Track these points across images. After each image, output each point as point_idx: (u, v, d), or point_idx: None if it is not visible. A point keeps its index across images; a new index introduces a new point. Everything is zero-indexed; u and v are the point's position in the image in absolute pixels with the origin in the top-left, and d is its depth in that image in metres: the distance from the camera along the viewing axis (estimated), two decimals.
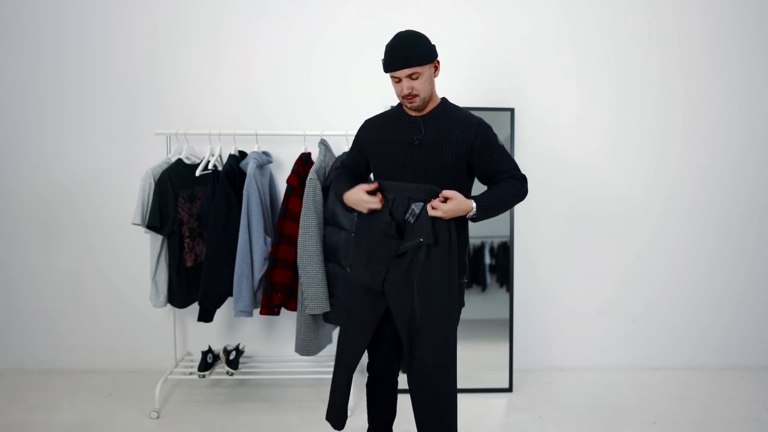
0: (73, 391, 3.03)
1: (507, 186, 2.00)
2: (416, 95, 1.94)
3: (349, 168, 2.21)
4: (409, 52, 1.89)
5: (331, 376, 2.96)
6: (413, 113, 2.02)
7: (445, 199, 1.91)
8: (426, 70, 1.93)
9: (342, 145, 3.01)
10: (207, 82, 3.14)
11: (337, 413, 2.14)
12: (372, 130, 2.11)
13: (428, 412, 2.00)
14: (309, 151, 2.88)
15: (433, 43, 1.97)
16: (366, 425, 2.50)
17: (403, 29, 1.99)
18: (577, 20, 3.17)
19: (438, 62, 1.99)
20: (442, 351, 1.96)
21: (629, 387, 3.13)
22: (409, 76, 1.91)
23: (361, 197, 1.98)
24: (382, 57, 1.96)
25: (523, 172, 2.07)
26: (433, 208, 1.90)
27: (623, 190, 3.28)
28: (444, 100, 2.06)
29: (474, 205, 1.93)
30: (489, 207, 1.95)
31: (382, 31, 3.10)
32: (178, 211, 2.75)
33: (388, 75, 1.97)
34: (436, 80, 2.06)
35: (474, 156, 1.98)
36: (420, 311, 1.94)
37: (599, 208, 3.28)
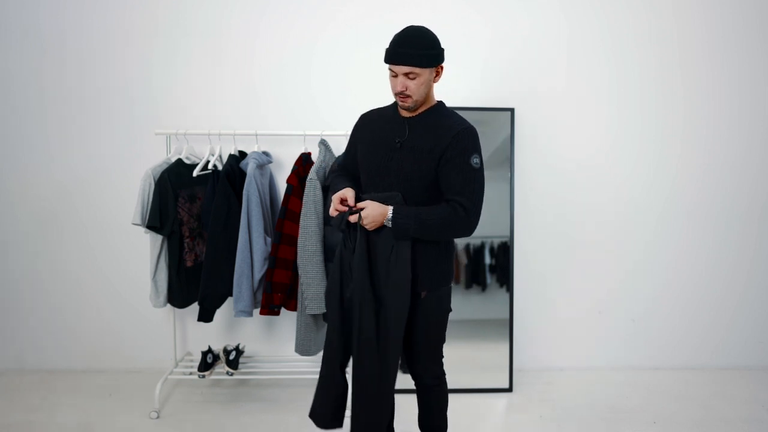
0: (73, 391, 3.03)
1: (439, 209, 1.86)
2: (409, 96, 1.87)
3: (346, 168, 2.18)
4: (413, 51, 1.82)
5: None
6: (404, 113, 1.97)
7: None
8: (426, 72, 1.86)
9: (342, 145, 3.00)
10: (207, 82, 3.14)
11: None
12: (363, 128, 2.08)
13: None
14: (309, 151, 2.88)
15: (442, 47, 1.90)
16: None
17: (415, 24, 1.92)
18: (577, 20, 3.17)
19: (441, 68, 1.92)
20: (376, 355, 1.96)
21: (629, 387, 3.13)
22: (406, 75, 1.85)
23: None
24: (387, 46, 1.90)
25: (474, 202, 1.85)
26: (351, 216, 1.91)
27: (623, 190, 3.28)
28: (439, 103, 1.99)
29: (390, 213, 1.86)
30: (405, 223, 1.84)
31: (382, 31, 3.09)
32: (178, 211, 2.75)
33: (387, 66, 1.90)
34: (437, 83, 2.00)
35: (440, 165, 1.89)
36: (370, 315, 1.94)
37: (599, 208, 3.28)
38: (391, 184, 1.93)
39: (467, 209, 1.85)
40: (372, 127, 2.04)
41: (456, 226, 1.87)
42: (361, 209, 1.89)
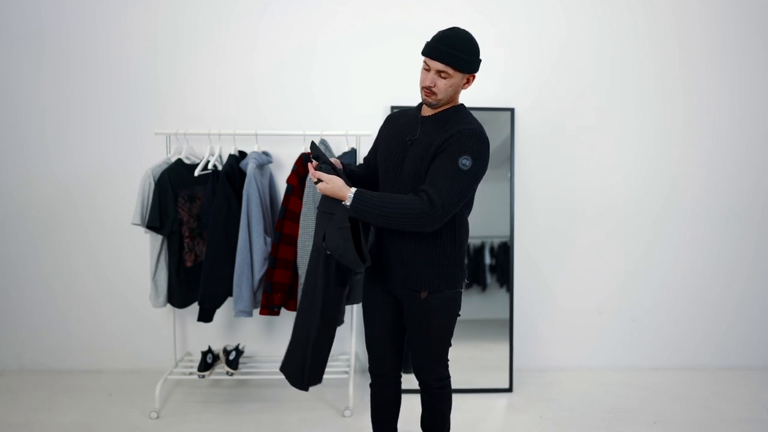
0: (73, 391, 3.03)
1: (402, 197, 1.83)
2: (435, 93, 1.88)
3: (367, 162, 2.20)
4: (453, 51, 1.83)
5: (330, 376, 2.96)
6: (424, 112, 1.99)
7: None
8: (458, 76, 1.87)
9: (342, 145, 3.01)
10: (207, 82, 3.14)
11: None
12: (386, 126, 2.11)
13: None
14: (309, 151, 2.88)
15: (480, 58, 1.91)
16: (369, 426, 2.50)
17: (461, 28, 1.92)
18: (578, 20, 3.17)
19: (473, 77, 1.92)
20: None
21: (629, 387, 3.13)
22: (439, 72, 1.85)
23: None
24: (428, 39, 1.89)
25: (447, 198, 1.80)
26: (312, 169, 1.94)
27: (623, 190, 3.28)
28: (460, 105, 1.99)
29: (350, 196, 1.83)
30: (365, 207, 1.82)
31: (382, 31, 3.12)
32: (178, 211, 2.75)
33: (421, 59, 1.92)
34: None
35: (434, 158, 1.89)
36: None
37: (599, 208, 3.28)
38: (402, 180, 1.95)
39: (433, 202, 1.78)
40: (394, 125, 2.07)
41: (418, 217, 1.79)
42: (320, 180, 1.90)
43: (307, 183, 2.67)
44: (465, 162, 1.82)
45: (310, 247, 2.65)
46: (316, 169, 1.95)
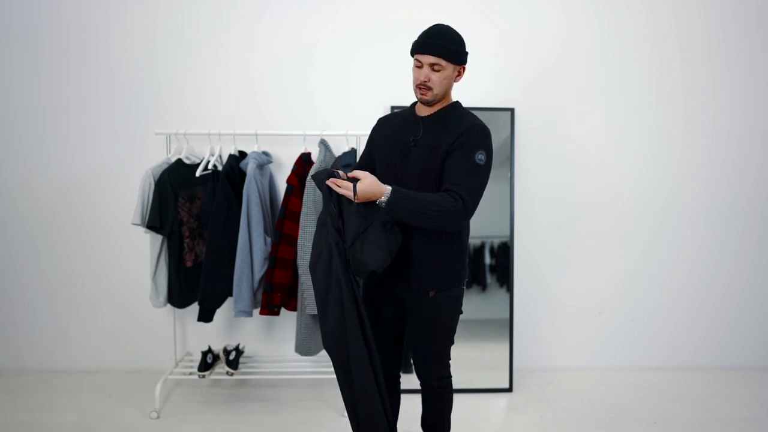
0: (73, 391, 3.03)
1: (437, 196, 1.81)
2: (430, 88, 1.89)
3: (361, 168, 2.15)
4: (442, 43, 1.86)
5: (329, 376, 2.96)
6: (420, 113, 1.99)
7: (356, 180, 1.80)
8: (450, 68, 1.89)
9: (342, 145, 3.01)
10: (207, 82, 3.14)
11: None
12: (380, 128, 2.10)
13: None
14: (309, 151, 2.88)
15: (467, 50, 1.93)
16: None
17: (442, 23, 1.94)
18: (578, 20, 3.17)
19: (464, 68, 1.95)
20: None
21: (629, 387, 3.13)
22: (431, 66, 1.88)
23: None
24: (415, 39, 1.92)
25: (467, 194, 1.79)
26: (337, 186, 1.81)
27: (623, 190, 3.28)
28: (456, 103, 2.00)
29: (388, 192, 1.78)
30: (400, 204, 1.77)
31: (382, 31, 3.12)
32: (178, 211, 2.75)
33: (412, 60, 1.92)
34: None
35: (446, 157, 1.87)
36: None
37: (599, 208, 3.28)
38: (406, 182, 1.94)
39: (465, 201, 1.81)
40: (389, 127, 2.06)
41: (450, 216, 1.80)
42: (357, 179, 1.80)
43: (307, 183, 2.67)
44: (480, 157, 1.86)
45: (310, 247, 2.65)
46: (334, 176, 1.87)
